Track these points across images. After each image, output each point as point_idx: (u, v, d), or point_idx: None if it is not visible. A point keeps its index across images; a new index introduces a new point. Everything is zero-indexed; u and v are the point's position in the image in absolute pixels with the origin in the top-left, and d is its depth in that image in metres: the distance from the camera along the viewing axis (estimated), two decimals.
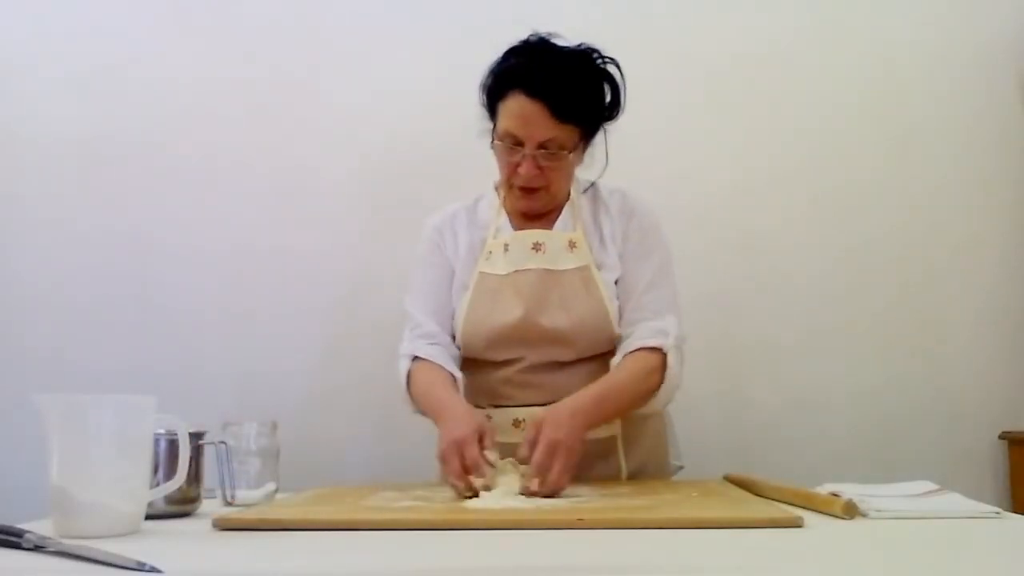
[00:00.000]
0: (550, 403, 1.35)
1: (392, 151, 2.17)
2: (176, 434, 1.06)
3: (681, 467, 1.63)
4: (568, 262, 1.48)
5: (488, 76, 1.46)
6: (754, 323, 2.11)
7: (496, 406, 1.50)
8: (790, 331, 2.11)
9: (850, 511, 1.02)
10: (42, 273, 2.16)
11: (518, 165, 1.43)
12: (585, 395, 1.34)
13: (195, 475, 1.15)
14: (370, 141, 2.18)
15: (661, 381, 1.41)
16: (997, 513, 1.03)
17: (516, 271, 1.48)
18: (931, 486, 1.16)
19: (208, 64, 2.21)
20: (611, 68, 1.45)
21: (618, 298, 1.49)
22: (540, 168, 1.42)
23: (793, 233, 2.13)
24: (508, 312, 1.46)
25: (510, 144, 1.42)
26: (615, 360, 1.43)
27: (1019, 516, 1.06)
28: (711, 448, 2.02)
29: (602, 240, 1.51)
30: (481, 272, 1.51)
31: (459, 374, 1.47)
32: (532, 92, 1.38)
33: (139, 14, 2.23)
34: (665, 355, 1.40)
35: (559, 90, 1.38)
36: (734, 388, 2.10)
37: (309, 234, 2.15)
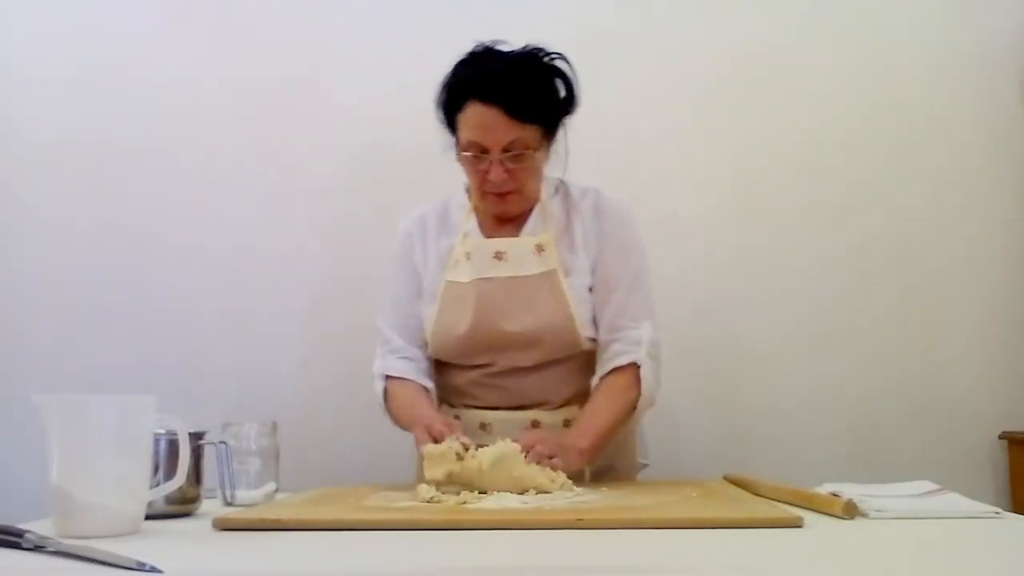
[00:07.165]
0: (517, 407, 1.45)
1: (392, 152, 2.16)
2: (176, 434, 1.06)
3: (646, 465, 1.65)
4: (534, 267, 1.49)
5: (441, 91, 1.47)
6: (754, 324, 2.11)
7: (465, 406, 1.54)
8: (790, 332, 2.10)
9: (850, 511, 1.02)
10: (42, 273, 2.16)
11: (487, 172, 1.44)
12: (587, 435, 1.39)
13: (195, 475, 1.15)
14: (370, 142, 2.17)
15: (639, 395, 1.44)
16: (997, 513, 1.03)
17: (479, 279, 1.49)
18: (931, 486, 1.16)
19: (207, 65, 2.21)
20: (560, 64, 1.45)
21: (594, 301, 1.50)
22: (508, 171, 1.43)
23: (793, 233, 2.13)
24: (470, 320, 1.47)
25: (475, 153, 1.43)
26: (594, 381, 1.47)
27: (1019, 516, 1.06)
28: (710, 449, 2.02)
29: (572, 244, 1.51)
30: (448, 280, 1.52)
31: (431, 385, 1.53)
32: (487, 98, 1.39)
33: (138, 15, 2.24)
34: (639, 367, 1.44)
35: (513, 91, 1.39)
36: (735, 389, 2.10)
37: (309, 234, 2.15)
